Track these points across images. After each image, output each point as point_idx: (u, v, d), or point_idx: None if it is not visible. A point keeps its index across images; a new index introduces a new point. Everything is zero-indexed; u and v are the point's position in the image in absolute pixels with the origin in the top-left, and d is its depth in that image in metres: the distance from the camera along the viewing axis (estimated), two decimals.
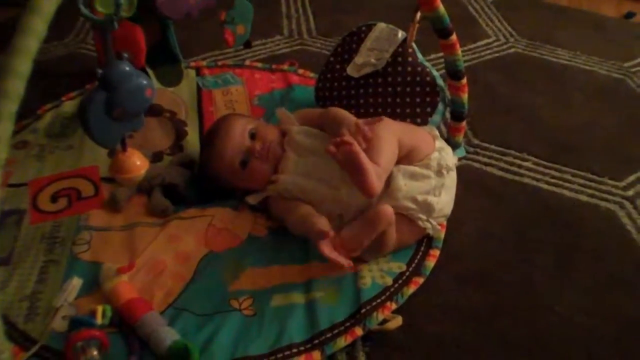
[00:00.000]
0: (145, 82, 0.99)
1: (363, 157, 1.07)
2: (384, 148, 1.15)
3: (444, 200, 1.22)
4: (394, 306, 1.11)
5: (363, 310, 1.09)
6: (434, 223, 1.21)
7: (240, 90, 1.74)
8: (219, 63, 1.88)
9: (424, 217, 1.19)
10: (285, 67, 1.86)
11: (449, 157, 1.27)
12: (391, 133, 1.18)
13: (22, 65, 0.71)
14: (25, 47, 0.71)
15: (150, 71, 1.36)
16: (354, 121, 1.21)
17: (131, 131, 1.05)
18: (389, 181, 1.17)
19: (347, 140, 1.08)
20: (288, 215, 1.24)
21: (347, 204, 1.19)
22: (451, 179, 1.25)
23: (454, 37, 1.33)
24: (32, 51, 0.72)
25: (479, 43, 2.15)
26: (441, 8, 1.28)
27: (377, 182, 1.08)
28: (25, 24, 0.71)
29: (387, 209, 1.10)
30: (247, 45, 1.24)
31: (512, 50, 2.13)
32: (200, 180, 1.37)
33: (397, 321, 1.08)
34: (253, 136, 1.31)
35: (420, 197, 1.17)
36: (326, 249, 1.11)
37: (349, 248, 1.14)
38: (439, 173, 1.22)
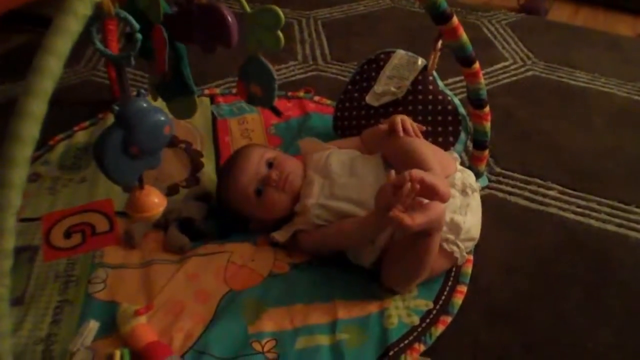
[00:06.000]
0: (163, 118, 0.95)
1: (427, 175, 1.02)
2: (424, 153, 1.16)
3: (470, 221, 1.19)
4: (422, 348, 1.07)
5: (391, 353, 1.05)
6: (462, 247, 1.17)
7: (256, 119, 1.71)
8: (234, 90, 1.84)
9: (452, 237, 1.15)
10: (301, 94, 1.84)
11: (472, 178, 1.25)
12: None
13: (38, 107, 0.69)
14: (41, 88, 0.69)
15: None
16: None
17: (149, 169, 1.01)
18: None
19: (407, 175, 1.00)
20: (329, 237, 1.20)
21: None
22: (476, 202, 1.23)
23: (476, 65, 1.30)
24: (47, 92, 0.69)
25: (496, 66, 2.13)
26: (464, 36, 1.25)
27: (446, 186, 1.06)
28: (40, 65, 0.69)
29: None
30: (275, 113, 1.15)
31: (530, 73, 2.11)
32: (218, 212, 1.33)
33: None
34: (270, 165, 1.28)
35: (446, 216, 1.13)
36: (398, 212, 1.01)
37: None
38: (463, 192, 1.20)
